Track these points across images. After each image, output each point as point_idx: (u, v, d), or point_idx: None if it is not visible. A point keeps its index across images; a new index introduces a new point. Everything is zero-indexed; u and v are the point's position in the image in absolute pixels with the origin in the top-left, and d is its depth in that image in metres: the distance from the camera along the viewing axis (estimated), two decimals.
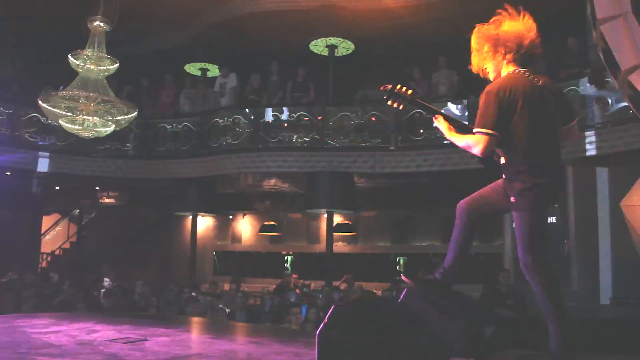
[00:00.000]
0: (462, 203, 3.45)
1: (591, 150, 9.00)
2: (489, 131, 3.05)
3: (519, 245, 3.19)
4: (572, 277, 9.14)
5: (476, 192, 3.46)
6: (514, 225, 3.26)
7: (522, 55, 3.24)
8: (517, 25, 3.28)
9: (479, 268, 12.32)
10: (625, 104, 7.94)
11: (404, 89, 3.42)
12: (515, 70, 3.23)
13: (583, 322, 6.55)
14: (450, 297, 3.53)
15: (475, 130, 3.12)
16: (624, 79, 6.79)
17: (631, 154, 8.50)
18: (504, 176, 3.26)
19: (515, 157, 3.14)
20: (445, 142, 10.60)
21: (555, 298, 3.13)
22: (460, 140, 3.27)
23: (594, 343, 4.78)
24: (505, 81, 3.17)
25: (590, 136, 9.04)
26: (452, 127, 3.38)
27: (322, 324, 2.38)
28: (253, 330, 5.61)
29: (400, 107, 3.43)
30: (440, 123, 3.40)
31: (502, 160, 3.23)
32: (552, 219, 9.64)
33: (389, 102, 3.45)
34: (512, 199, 3.16)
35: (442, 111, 3.53)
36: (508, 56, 3.26)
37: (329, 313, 2.39)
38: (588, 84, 9.25)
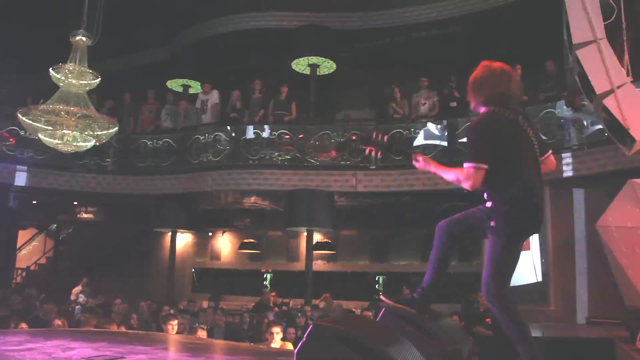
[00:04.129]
0: (442, 223, 3.52)
1: (568, 172, 9.15)
2: (479, 165, 3.15)
3: (486, 270, 3.28)
4: (550, 297, 9.22)
5: (457, 214, 3.53)
6: (486, 250, 3.30)
7: (498, 94, 3.33)
8: (493, 71, 3.38)
9: (457, 287, 12.42)
10: (600, 126, 8.10)
11: (380, 135, 3.58)
12: (493, 109, 3.32)
13: (559, 341, 6.61)
14: (428, 316, 3.56)
15: (465, 165, 3.21)
16: (598, 102, 6.95)
17: (606, 175, 8.65)
18: (487, 203, 3.32)
19: (500, 186, 3.23)
20: None
21: (520, 322, 3.24)
22: (449, 173, 3.35)
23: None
24: (485, 118, 3.30)
25: (567, 158, 9.19)
26: (433, 161, 3.47)
27: (300, 343, 2.39)
28: (231, 348, 5.57)
29: (378, 154, 3.57)
30: (421, 162, 3.47)
31: (486, 188, 3.30)
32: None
33: (364, 148, 3.60)
34: (492, 223, 3.24)
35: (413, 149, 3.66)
36: (482, 98, 3.36)
37: (307, 331, 2.40)
38: (565, 107, 9.42)
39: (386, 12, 11.83)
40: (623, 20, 7.69)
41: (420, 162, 3.47)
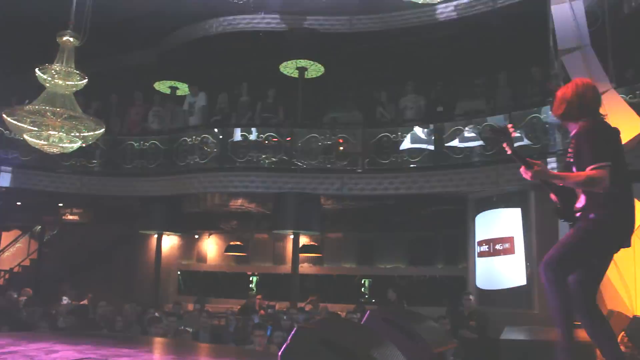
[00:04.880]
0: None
1: None
2: (607, 163, 3.29)
3: (557, 247, 3.41)
4: (534, 301, 9.28)
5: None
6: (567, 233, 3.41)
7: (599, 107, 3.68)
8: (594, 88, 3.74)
9: (443, 290, 12.47)
10: None
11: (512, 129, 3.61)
12: (602, 117, 3.64)
13: (542, 344, 6.64)
14: (413, 319, 3.58)
15: (593, 166, 3.31)
16: None
17: None
18: (582, 200, 3.49)
19: (615, 186, 3.34)
20: (412, 165, 10.87)
21: (564, 298, 3.39)
22: (576, 178, 3.41)
23: None
24: (601, 122, 3.61)
25: (552, 163, 9.26)
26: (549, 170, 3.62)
27: (284, 346, 2.40)
28: (217, 351, 5.55)
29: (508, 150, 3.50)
30: (537, 170, 3.46)
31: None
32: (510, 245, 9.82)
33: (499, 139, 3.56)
34: (591, 215, 3.40)
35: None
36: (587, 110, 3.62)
37: (291, 334, 2.41)
38: (550, 112, 9.50)
39: (374, 16, 11.85)
40: (607, 28, 7.79)
41: (534, 170, 3.44)
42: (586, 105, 3.59)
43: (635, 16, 9.34)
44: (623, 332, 5.34)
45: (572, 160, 3.54)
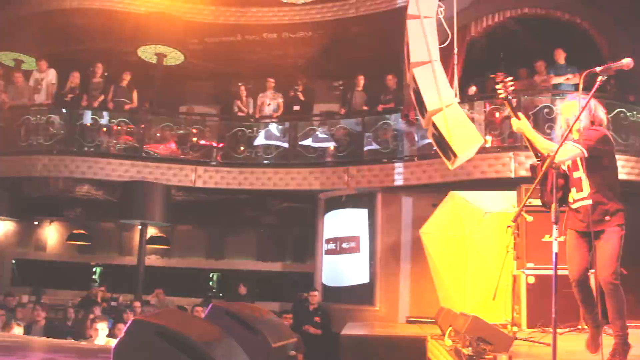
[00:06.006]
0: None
1: (399, 180, 9.77)
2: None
3: (609, 258, 3.97)
4: (375, 298, 9.75)
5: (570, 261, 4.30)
6: (599, 245, 4.01)
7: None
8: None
9: (290, 286, 12.74)
10: (429, 140, 8.73)
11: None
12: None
13: (381, 339, 7.00)
14: (255, 314, 3.63)
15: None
16: (429, 118, 7.50)
17: (432, 186, 9.36)
18: (589, 201, 4.12)
19: (617, 187, 4.16)
20: (266, 162, 10.98)
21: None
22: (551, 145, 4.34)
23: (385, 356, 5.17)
24: (605, 131, 4.24)
25: (399, 167, 9.82)
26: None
27: (119, 338, 2.33)
28: (49, 346, 5.26)
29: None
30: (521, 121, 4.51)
31: (588, 189, 4.12)
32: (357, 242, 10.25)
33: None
34: (607, 218, 4.03)
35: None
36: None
37: (126, 326, 2.34)
38: (400, 119, 10.04)
39: (239, 9, 11.78)
40: (455, 46, 8.35)
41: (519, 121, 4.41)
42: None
43: (479, 40, 10.15)
44: (451, 327, 5.76)
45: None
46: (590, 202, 4.11)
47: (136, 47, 11.80)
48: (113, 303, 11.44)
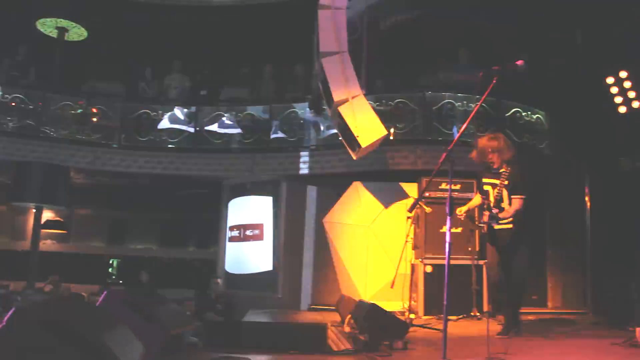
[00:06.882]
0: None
1: (304, 170, 9.82)
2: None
3: None
4: (278, 286, 9.78)
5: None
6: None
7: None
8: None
9: (193, 273, 12.55)
10: (335, 130, 8.83)
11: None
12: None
13: (282, 326, 7.03)
14: (153, 301, 3.55)
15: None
16: (335, 109, 7.58)
17: (337, 176, 9.48)
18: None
19: None
20: (170, 146, 10.72)
21: None
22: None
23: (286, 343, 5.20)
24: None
25: (305, 157, 9.86)
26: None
27: None
28: None
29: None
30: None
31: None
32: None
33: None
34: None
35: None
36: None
37: (7, 316, 2.21)
38: (307, 109, 10.08)
39: None
40: (364, 39, 8.48)
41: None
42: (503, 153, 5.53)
43: (388, 33, 10.33)
44: (350, 315, 5.89)
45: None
46: None
47: (34, 19, 11.12)
48: (2, 291, 10.82)
